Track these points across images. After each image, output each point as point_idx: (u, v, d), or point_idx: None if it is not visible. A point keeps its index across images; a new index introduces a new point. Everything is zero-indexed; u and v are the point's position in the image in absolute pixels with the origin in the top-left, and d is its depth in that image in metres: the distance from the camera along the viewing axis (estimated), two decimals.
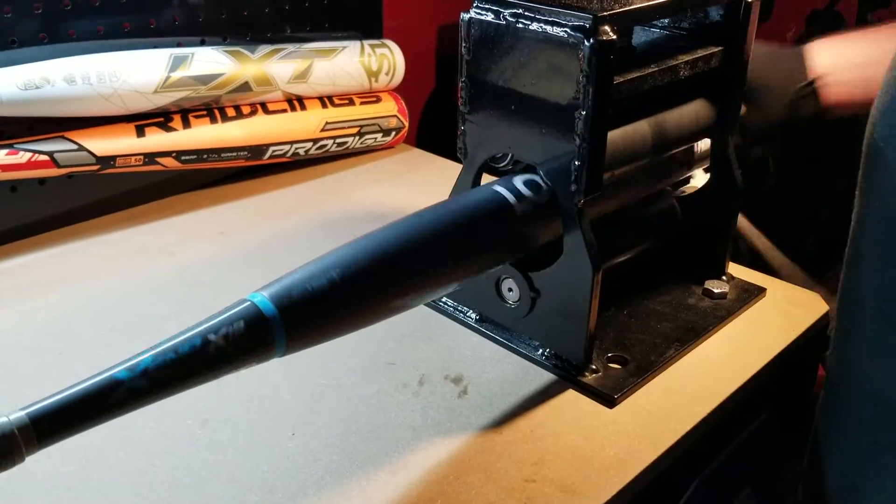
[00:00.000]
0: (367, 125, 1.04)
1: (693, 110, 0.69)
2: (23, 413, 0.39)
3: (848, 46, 0.87)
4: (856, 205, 0.60)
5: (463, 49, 0.63)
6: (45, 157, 0.80)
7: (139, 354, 0.43)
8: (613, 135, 0.60)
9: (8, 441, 0.38)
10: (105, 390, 0.41)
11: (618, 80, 0.59)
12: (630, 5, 0.58)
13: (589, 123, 0.57)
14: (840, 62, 0.85)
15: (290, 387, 0.63)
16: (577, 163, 0.58)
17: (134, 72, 0.83)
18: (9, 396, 0.61)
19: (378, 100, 1.06)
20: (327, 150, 1.02)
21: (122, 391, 0.42)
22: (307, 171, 1.03)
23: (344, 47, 1.02)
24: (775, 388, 0.71)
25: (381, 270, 0.53)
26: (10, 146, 0.78)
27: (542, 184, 0.61)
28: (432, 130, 1.32)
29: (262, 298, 0.47)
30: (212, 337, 0.45)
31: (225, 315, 0.46)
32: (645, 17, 0.60)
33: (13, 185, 0.83)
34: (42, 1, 0.81)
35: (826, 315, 0.74)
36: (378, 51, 1.04)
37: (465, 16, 0.62)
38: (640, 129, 0.65)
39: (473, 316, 0.71)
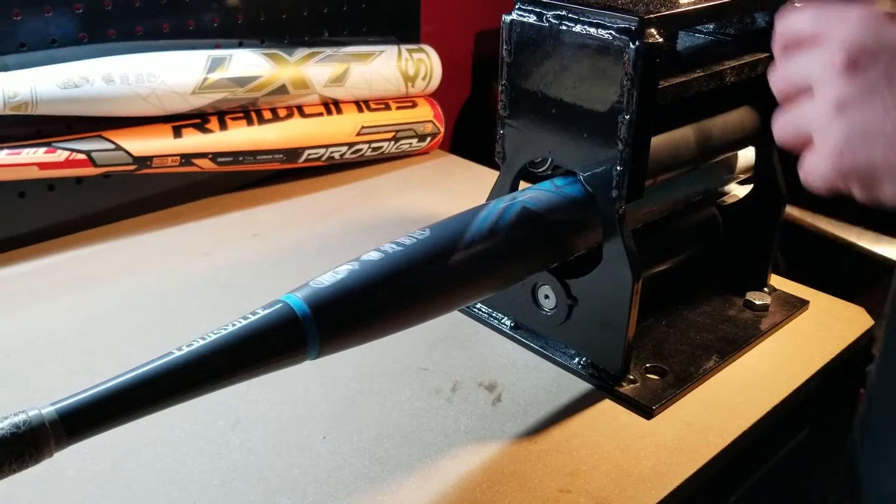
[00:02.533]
0: (403, 130, 1.03)
1: (738, 118, 0.68)
2: (52, 408, 0.39)
3: None
4: None
5: (504, 52, 0.62)
6: (83, 156, 0.80)
7: (171, 352, 0.43)
8: (657, 140, 0.59)
9: (37, 435, 0.38)
10: (136, 387, 0.41)
11: (662, 84, 0.58)
12: (676, 8, 0.57)
13: (632, 128, 0.55)
14: None
15: (321, 390, 0.62)
16: (619, 168, 0.57)
17: (172, 72, 0.83)
18: (41, 394, 0.61)
19: (414, 105, 1.05)
20: (362, 155, 1.01)
21: (152, 389, 0.41)
22: (342, 175, 1.02)
23: (381, 51, 1.01)
24: (817, 404, 0.69)
25: (417, 273, 0.52)
26: (48, 144, 0.79)
27: (582, 189, 0.60)
28: (467, 137, 1.32)
29: (296, 299, 0.47)
30: (244, 336, 0.44)
31: (258, 315, 0.46)
32: (692, 20, 0.59)
33: (51, 184, 0.83)
34: (83, 1, 0.81)
35: (871, 329, 0.72)
36: (415, 55, 1.04)
37: (507, 17, 0.61)
38: (683, 135, 0.63)
39: (508, 323, 0.69)
